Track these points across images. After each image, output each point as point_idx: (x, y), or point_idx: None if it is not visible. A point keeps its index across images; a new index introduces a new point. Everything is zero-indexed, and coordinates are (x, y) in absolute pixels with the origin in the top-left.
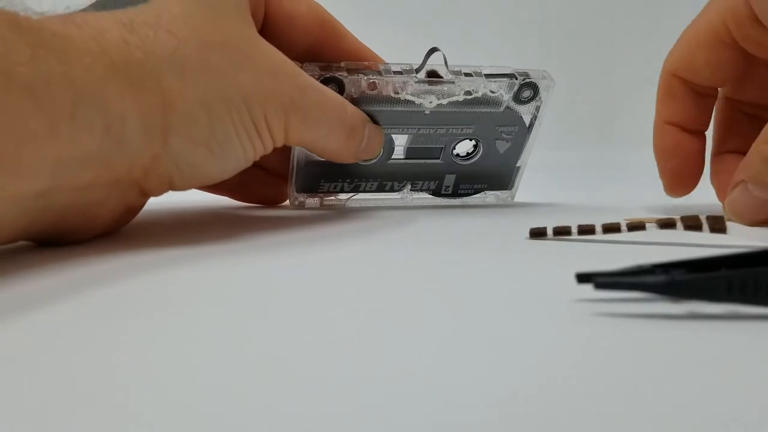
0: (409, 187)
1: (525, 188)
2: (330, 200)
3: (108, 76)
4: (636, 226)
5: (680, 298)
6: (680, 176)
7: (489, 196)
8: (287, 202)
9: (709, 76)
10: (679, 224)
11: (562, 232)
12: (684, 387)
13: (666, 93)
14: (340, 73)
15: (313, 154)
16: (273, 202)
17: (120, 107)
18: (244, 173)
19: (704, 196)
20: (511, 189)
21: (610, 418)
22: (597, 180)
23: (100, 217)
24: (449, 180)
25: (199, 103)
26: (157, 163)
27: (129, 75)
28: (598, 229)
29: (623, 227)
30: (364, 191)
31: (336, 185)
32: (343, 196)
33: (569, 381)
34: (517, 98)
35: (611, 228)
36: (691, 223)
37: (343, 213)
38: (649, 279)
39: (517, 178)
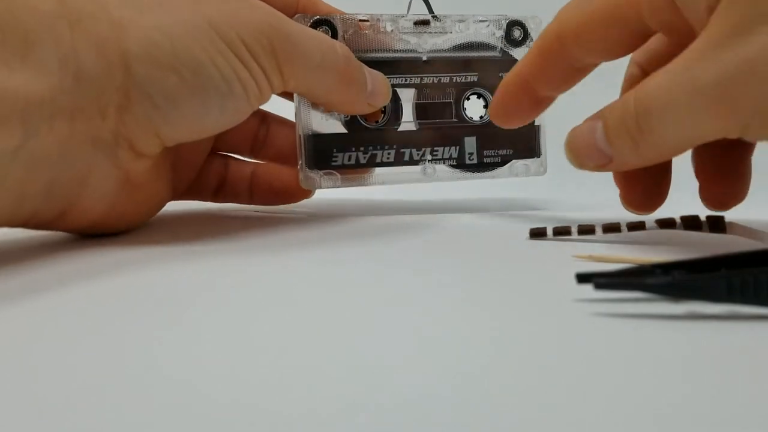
0: (429, 156)
1: (525, 189)
2: (348, 181)
3: (56, 11)
4: (636, 226)
5: (680, 298)
6: (507, 108)
7: (518, 166)
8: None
9: (599, 53)
10: (679, 224)
11: (562, 232)
12: (684, 387)
13: (541, 52)
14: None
15: (320, 128)
16: (286, 194)
17: (70, 39)
18: (250, 173)
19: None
20: (539, 156)
21: (611, 417)
22: (596, 180)
23: (97, 185)
24: (470, 145)
25: (156, 28)
26: (129, 100)
27: (77, 7)
28: (598, 229)
29: (623, 227)
30: (382, 163)
31: (350, 155)
32: (362, 174)
33: (569, 381)
34: (510, 38)
35: (611, 228)
36: (691, 223)
37: (341, 213)
38: (649, 279)
39: (542, 143)
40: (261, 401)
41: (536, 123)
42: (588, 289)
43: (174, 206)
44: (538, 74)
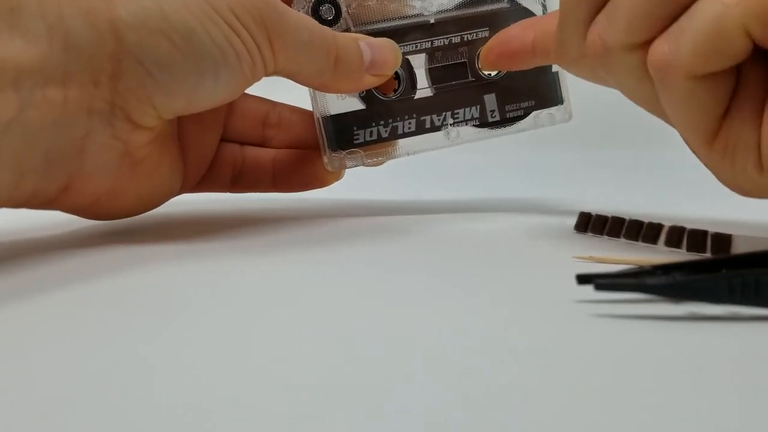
0: (451, 120)
1: (530, 190)
2: (373, 157)
3: None
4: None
5: (681, 299)
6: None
7: (542, 116)
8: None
9: None
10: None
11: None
12: (684, 388)
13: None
14: None
15: (338, 108)
16: (314, 178)
17: (57, 7)
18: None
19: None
20: (563, 103)
21: (611, 418)
22: (596, 182)
23: (97, 156)
24: (491, 102)
25: None
26: (121, 68)
27: None
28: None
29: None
30: (404, 134)
31: (371, 131)
32: (386, 148)
33: (569, 382)
34: None
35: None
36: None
37: (349, 211)
38: (650, 280)
39: (563, 88)
40: (259, 407)
41: (554, 69)
42: (588, 290)
43: (186, 200)
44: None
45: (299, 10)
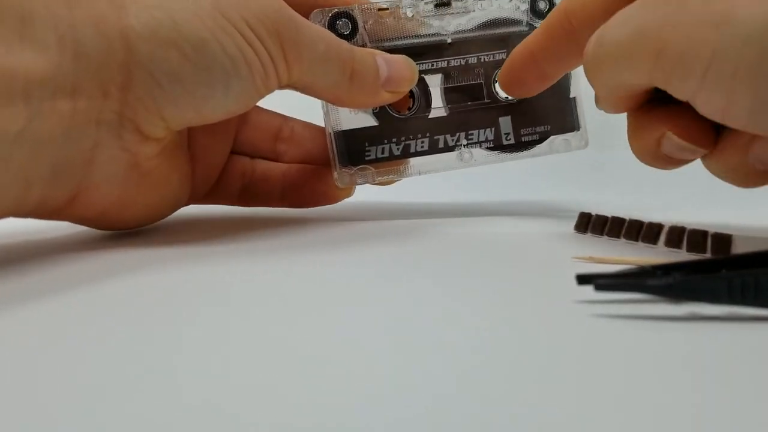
0: (465, 141)
1: (530, 191)
2: (384, 175)
3: None
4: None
5: (681, 299)
6: (513, 79)
7: (558, 142)
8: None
9: None
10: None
11: (614, 225)
12: (684, 388)
13: (548, 29)
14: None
15: (350, 123)
16: (325, 194)
17: (68, 17)
18: (288, 173)
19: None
20: (579, 129)
21: (611, 418)
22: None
23: (105, 168)
24: (506, 125)
25: (157, 7)
26: (131, 79)
27: None
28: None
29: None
30: (416, 152)
31: (383, 148)
32: (397, 167)
33: (569, 382)
34: (535, 11)
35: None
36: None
37: (353, 217)
38: (650, 280)
39: (580, 115)
40: (261, 410)
41: (572, 95)
42: (588, 291)
43: (193, 209)
44: (545, 51)
45: (316, 24)
